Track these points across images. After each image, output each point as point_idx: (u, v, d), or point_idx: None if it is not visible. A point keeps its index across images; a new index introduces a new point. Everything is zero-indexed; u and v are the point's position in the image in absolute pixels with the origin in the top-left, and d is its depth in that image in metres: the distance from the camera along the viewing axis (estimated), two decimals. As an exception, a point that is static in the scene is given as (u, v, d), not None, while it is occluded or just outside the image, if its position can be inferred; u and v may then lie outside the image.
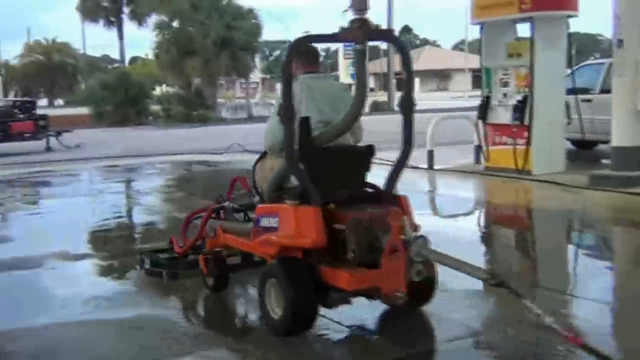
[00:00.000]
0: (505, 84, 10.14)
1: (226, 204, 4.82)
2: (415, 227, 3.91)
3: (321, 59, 5.10)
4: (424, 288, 4.01)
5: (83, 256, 6.25)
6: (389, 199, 4.04)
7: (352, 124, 4.06)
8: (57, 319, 4.48)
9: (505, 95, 10.14)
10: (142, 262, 5.09)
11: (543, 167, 9.64)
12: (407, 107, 4.07)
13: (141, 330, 4.24)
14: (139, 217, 8.78)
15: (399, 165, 4.13)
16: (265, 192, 4.27)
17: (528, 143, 9.64)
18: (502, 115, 10.12)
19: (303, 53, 4.34)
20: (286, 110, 3.84)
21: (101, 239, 7.31)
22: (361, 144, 4.37)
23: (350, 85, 5.71)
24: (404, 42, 4.69)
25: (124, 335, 4.19)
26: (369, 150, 4.18)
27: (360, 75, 4.15)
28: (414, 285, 3.78)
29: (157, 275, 4.93)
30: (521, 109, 9.74)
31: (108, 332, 4.24)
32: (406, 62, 4.17)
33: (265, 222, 4.07)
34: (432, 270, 3.93)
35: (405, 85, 4.21)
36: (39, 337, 4.18)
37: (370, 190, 4.20)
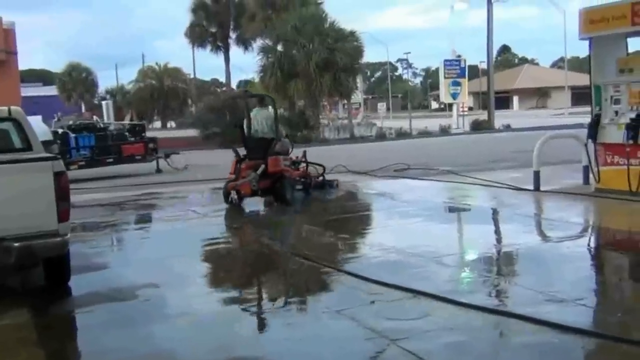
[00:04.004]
0: (617, 101, 9.65)
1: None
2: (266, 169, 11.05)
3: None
4: (275, 189, 10.99)
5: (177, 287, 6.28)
6: (265, 159, 10.97)
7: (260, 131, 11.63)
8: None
9: (617, 113, 9.65)
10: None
11: (660, 189, 9.05)
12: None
13: None
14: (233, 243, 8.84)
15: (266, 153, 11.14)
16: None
17: (643, 163, 9.09)
18: (614, 134, 9.65)
19: (259, 98, 12.57)
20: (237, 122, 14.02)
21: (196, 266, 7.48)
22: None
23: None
24: (272, 98, 13.05)
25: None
26: (272, 140, 11.20)
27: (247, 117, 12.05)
28: (263, 191, 11.08)
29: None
30: (635, 127, 9.25)
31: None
32: (275, 109, 12.31)
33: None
34: (257, 185, 10.81)
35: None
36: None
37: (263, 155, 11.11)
